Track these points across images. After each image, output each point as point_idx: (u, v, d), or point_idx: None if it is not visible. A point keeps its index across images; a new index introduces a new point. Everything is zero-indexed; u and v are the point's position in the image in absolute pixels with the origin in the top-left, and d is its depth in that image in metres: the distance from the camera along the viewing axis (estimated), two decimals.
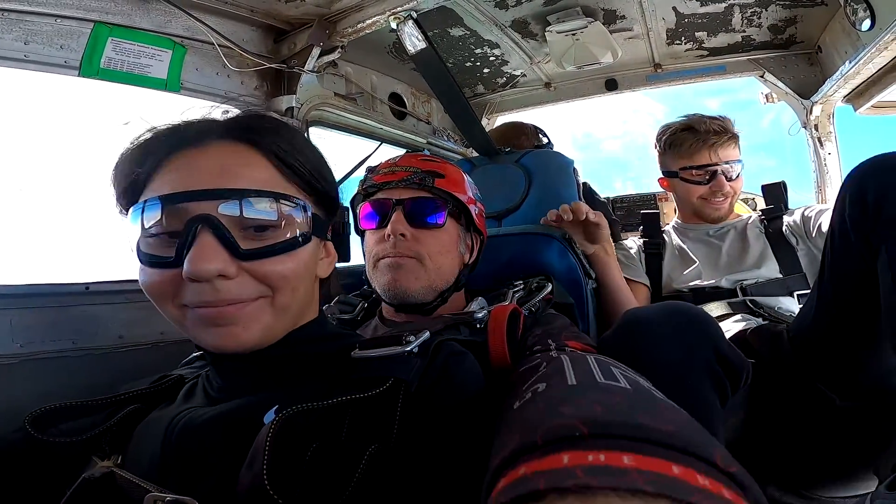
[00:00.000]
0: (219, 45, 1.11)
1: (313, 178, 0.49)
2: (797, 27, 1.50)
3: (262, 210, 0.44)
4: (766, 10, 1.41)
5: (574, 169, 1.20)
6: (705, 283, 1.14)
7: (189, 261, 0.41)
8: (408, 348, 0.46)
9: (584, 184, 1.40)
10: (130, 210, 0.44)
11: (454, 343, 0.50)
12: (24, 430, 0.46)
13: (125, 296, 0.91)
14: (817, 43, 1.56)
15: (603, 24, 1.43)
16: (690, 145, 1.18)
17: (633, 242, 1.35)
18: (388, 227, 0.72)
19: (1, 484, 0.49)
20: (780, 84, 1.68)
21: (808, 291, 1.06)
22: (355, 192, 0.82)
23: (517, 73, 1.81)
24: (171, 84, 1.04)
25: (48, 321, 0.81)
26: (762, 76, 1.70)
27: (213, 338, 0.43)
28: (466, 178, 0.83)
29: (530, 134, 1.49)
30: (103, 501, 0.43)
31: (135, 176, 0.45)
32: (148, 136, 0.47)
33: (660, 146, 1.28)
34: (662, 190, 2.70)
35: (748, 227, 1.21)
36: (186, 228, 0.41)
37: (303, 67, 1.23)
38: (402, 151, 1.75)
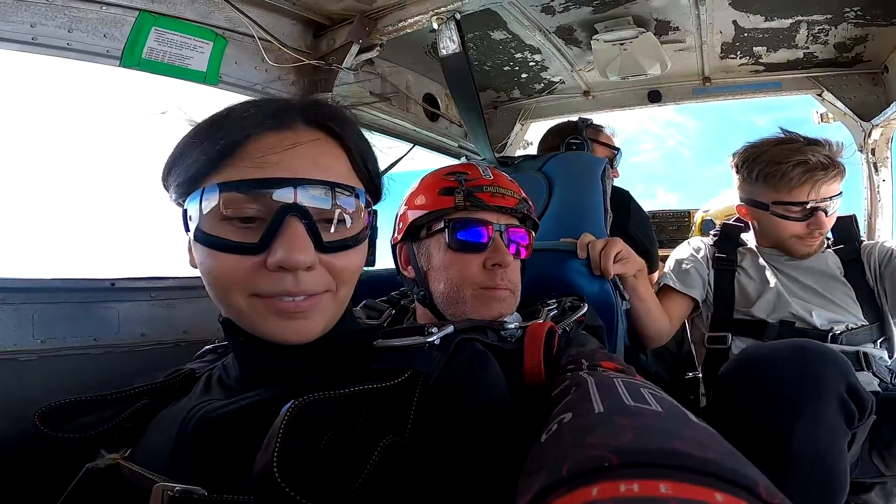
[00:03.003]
0: (259, 39, 1.09)
1: (373, 173, 0.49)
2: (866, 46, 1.40)
3: (346, 204, 0.44)
4: (836, 28, 1.32)
5: (605, 168, 1.09)
6: (797, 313, 1.04)
7: (283, 249, 0.40)
8: (429, 339, 0.45)
9: (623, 194, 1.30)
10: (206, 189, 0.41)
11: (477, 343, 0.49)
12: (35, 425, 0.45)
13: (149, 293, 0.90)
14: (884, 63, 1.46)
15: (654, 34, 1.36)
16: (792, 179, 1.01)
17: (702, 244, 1.21)
18: (498, 256, 0.70)
19: (12, 478, 0.49)
20: (838, 104, 1.57)
21: (884, 338, 1.02)
22: (447, 196, 0.73)
23: (556, 79, 1.75)
24: (210, 77, 1.03)
25: (71, 317, 0.80)
26: (820, 94, 1.60)
27: (281, 330, 0.42)
28: None
29: (565, 129, 1.44)
30: (109, 493, 0.43)
31: (212, 153, 0.42)
32: (225, 112, 0.45)
33: (746, 173, 1.09)
34: (698, 207, 2.62)
35: (829, 265, 1.09)
36: (277, 216, 0.40)
37: (340, 64, 1.20)
38: (433, 154, 1.75)
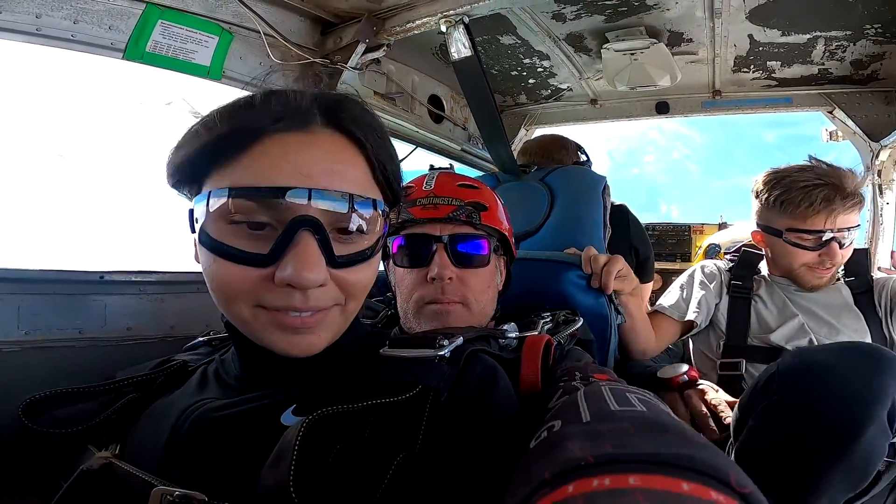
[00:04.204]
0: (265, 35, 1.08)
1: (392, 179, 0.47)
2: (882, 63, 1.37)
3: (363, 216, 0.42)
4: (854, 45, 1.29)
5: (605, 187, 1.11)
6: (813, 342, 1.03)
7: (294, 266, 0.38)
8: (440, 353, 0.43)
9: (621, 207, 1.32)
10: (214, 192, 0.39)
11: (486, 356, 0.48)
12: (18, 418, 0.44)
13: (138, 287, 0.89)
14: None
15: (666, 45, 1.34)
16: (808, 206, 0.98)
17: (717, 271, 1.19)
18: (435, 270, 0.67)
19: None
20: (849, 122, 1.55)
21: None
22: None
23: (563, 86, 1.73)
24: (214, 72, 1.02)
25: (57, 309, 0.78)
26: (831, 112, 1.57)
27: (286, 343, 0.41)
28: (498, 200, 0.79)
29: (570, 150, 1.42)
30: (102, 493, 0.42)
31: (224, 147, 0.40)
32: (242, 103, 0.43)
33: (764, 198, 1.06)
34: (699, 222, 2.59)
35: (841, 296, 1.08)
36: (289, 228, 0.38)
37: (346, 63, 1.19)
38: (435, 157, 1.74)
